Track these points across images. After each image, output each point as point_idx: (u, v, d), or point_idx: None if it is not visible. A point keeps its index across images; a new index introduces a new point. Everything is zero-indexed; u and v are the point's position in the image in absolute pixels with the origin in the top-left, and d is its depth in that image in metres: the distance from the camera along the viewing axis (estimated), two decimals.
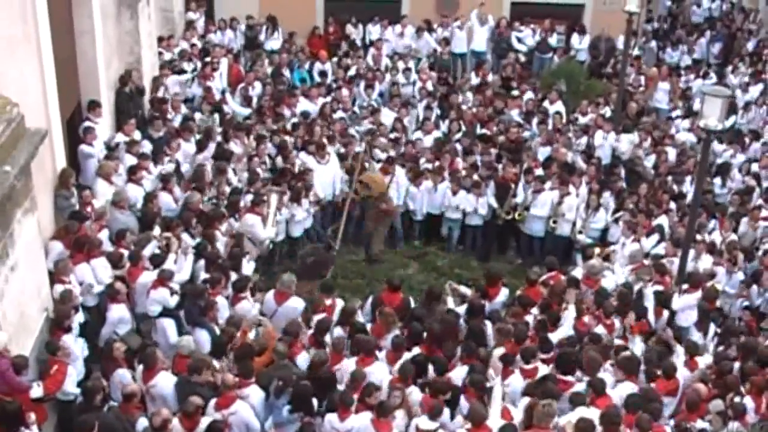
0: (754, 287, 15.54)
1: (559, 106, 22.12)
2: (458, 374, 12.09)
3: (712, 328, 14.54)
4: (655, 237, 16.68)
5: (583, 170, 18.75)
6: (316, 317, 13.21)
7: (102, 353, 12.46)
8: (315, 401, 11.41)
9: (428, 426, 11.03)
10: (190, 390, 11.06)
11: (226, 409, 11.00)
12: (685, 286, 14.63)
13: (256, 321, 13.00)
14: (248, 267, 14.68)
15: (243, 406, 11.13)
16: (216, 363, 11.83)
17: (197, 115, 19.08)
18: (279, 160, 18.04)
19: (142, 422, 10.92)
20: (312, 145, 18.21)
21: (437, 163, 18.67)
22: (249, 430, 11.22)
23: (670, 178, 19.33)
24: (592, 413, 11.02)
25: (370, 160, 18.31)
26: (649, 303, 14.22)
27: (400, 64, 23.94)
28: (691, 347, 13.20)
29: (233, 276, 14.01)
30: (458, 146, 19.62)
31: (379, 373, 11.94)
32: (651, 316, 14.09)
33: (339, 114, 20.75)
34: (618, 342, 13.10)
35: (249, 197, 16.20)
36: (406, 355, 12.39)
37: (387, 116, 20.94)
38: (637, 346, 13.16)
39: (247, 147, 17.99)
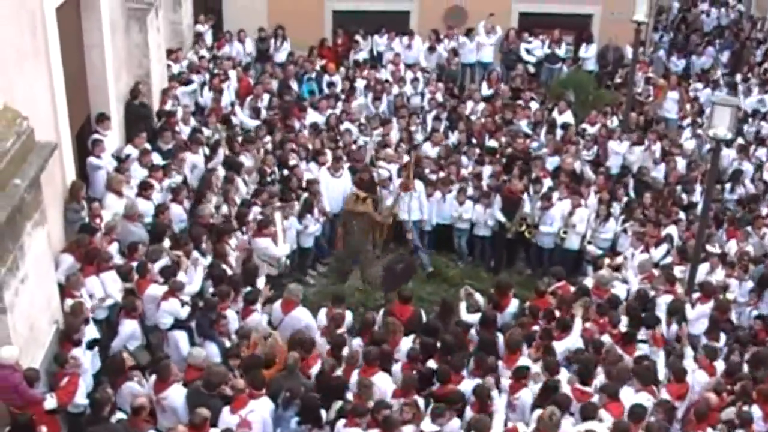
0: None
1: (568, 116, 22.12)
2: (467, 386, 12.03)
3: (723, 338, 14.48)
4: (665, 247, 16.65)
5: (591, 180, 18.73)
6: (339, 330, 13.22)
7: (110, 365, 12.43)
8: (323, 413, 11.38)
9: (430, 429, 11.00)
10: (201, 401, 11.05)
11: (242, 410, 11.01)
12: (697, 295, 14.59)
13: (266, 334, 12.98)
14: (259, 282, 14.68)
15: (259, 405, 11.16)
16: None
17: (205, 130, 19.10)
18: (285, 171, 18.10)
19: None
20: (323, 156, 18.28)
21: (441, 174, 18.66)
22: (265, 428, 11.27)
23: (679, 187, 19.32)
24: (601, 427, 11.02)
25: (377, 172, 18.34)
26: (662, 313, 14.18)
27: (408, 75, 23.92)
28: (709, 352, 13.16)
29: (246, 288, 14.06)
30: (464, 158, 19.61)
31: (382, 383, 11.88)
32: (664, 327, 14.04)
33: (346, 125, 20.77)
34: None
35: (256, 209, 16.24)
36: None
37: (395, 128, 20.96)
38: (660, 358, 13.10)
39: (257, 160, 18.04)
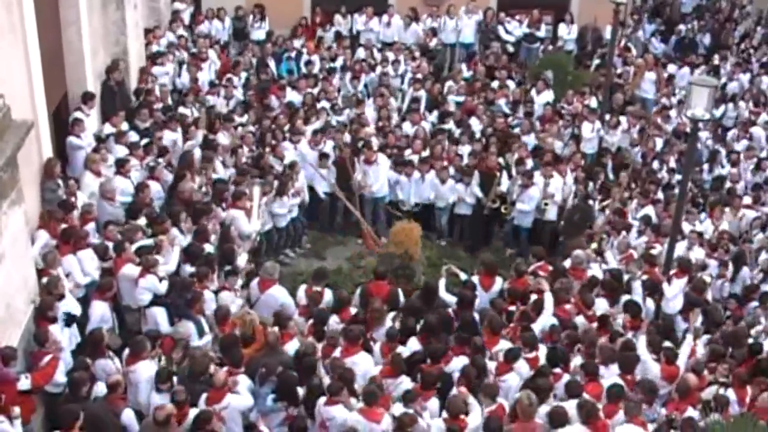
0: (745, 269, 15.64)
1: (546, 95, 22.14)
2: (454, 365, 12.10)
3: (699, 318, 14.57)
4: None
5: (565, 158, 18.82)
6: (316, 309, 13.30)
7: (89, 340, 12.27)
8: (300, 390, 11.41)
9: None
10: (191, 389, 11.08)
11: (218, 404, 10.98)
12: (673, 271, 14.66)
13: (242, 314, 12.98)
14: (241, 259, 14.70)
15: (234, 398, 11.12)
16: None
17: (181, 110, 19.01)
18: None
19: (128, 413, 10.98)
20: (296, 135, 18.31)
21: (425, 153, 18.65)
22: (243, 415, 11.28)
23: (656, 164, 19.42)
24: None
25: (360, 151, 18.33)
26: (638, 296, 14.22)
27: (390, 56, 23.88)
28: (668, 353, 13.20)
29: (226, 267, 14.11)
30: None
31: (364, 363, 11.95)
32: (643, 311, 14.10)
33: (322, 104, 20.69)
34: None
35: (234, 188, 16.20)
36: (401, 348, 12.38)
37: (370, 107, 20.95)
38: (641, 342, 12.96)
39: (234, 138, 17.99)
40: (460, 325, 13.09)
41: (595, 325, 13.35)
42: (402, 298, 14.02)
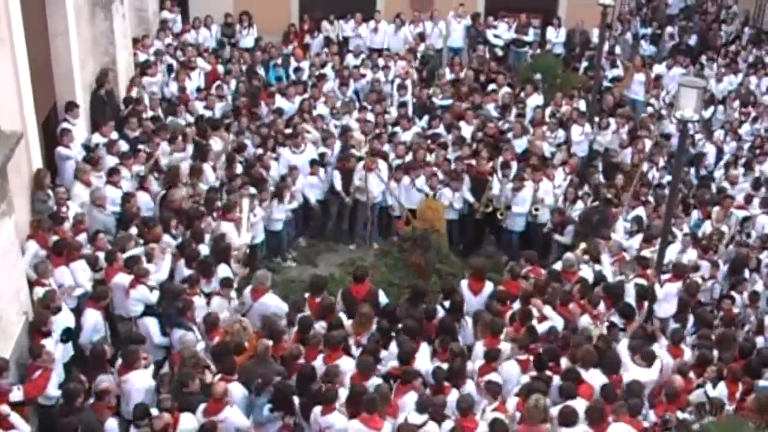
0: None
1: (536, 99, 22.16)
2: (423, 365, 12.14)
3: (691, 320, 14.59)
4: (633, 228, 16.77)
5: (554, 163, 18.82)
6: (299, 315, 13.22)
7: (91, 357, 12.24)
8: (296, 400, 11.37)
9: (417, 420, 11.01)
10: (184, 400, 11.05)
11: (215, 416, 10.91)
12: (668, 275, 14.67)
13: (233, 321, 12.95)
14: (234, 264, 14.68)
15: (232, 412, 11.06)
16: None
17: (170, 119, 18.97)
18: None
19: (111, 423, 10.94)
20: (289, 140, 18.34)
21: (408, 158, 18.66)
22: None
23: (645, 166, 19.46)
24: (579, 404, 11.13)
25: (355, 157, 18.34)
26: (631, 298, 14.21)
27: (380, 62, 23.88)
28: (675, 335, 13.28)
29: (222, 271, 14.04)
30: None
31: (347, 368, 11.92)
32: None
33: (320, 109, 20.67)
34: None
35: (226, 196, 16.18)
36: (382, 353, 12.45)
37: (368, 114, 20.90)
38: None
39: (226, 144, 17.97)
40: (440, 329, 13.10)
41: (604, 326, 13.34)
42: (383, 299, 14.00)
